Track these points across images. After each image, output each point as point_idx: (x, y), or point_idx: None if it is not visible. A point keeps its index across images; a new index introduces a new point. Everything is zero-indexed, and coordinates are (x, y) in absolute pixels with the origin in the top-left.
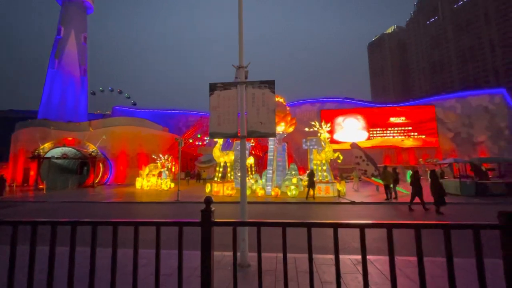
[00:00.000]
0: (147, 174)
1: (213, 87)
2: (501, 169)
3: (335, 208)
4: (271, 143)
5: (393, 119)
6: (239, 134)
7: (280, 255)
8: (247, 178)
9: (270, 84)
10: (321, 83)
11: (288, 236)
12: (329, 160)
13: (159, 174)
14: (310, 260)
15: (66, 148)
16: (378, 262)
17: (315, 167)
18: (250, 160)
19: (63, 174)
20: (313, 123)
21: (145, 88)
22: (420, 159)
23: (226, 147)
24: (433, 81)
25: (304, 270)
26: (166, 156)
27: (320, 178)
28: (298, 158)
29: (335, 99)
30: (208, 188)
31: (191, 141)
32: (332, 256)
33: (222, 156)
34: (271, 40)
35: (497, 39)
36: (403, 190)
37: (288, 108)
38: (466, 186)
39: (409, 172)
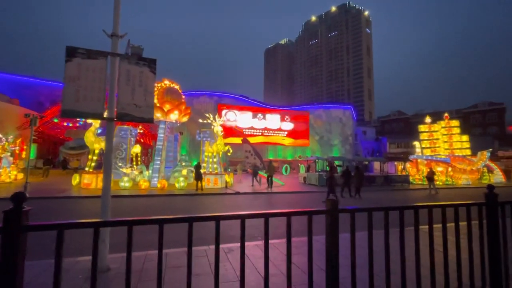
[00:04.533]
0: None
1: (71, 52)
2: (344, 165)
3: (221, 198)
4: (161, 131)
5: (278, 120)
6: (105, 116)
7: (151, 252)
8: (130, 169)
9: (150, 63)
10: (220, 78)
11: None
12: (220, 153)
13: None
14: (159, 254)
15: None
16: (247, 247)
17: (206, 159)
18: (136, 149)
19: None
20: (207, 115)
21: None
22: (296, 156)
23: (104, 132)
24: (310, 92)
25: (174, 265)
26: (11, 137)
27: (210, 170)
28: (192, 149)
29: (232, 95)
30: (75, 179)
31: (56, 120)
32: (206, 247)
33: (98, 142)
34: (177, 34)
35: (352, 68)
36: (279, 181)
37: (183, 97)
38: (322, 178)
39: (285, 166)
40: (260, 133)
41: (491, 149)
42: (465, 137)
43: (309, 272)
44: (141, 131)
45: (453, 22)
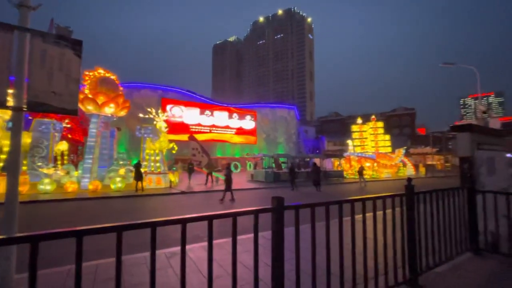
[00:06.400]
0: None
1: None
2: (288, 162)
3: (164, 199)
4: (94, 126)
5: (226, 117)
6: (10, 105)
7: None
8: (53, 169)
9: (74, 44)
10: (165, 73)
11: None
12: (164, 150)
13: None
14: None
15: None
16: (192, 250)
17: (147, 157)
18: (62, 146)
19: None
20: (149, 109)
21: None
22: (244, 154)
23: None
24: (258, 91)
25: (108, 277)
26: None
27: (153, 169)
28: (132, 146)
29: (178, 90)
30: None
31: None
32: (146, 254)
33: (7, 138)
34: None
35: (296, 70)
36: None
37: (121, 88)
38: (268, 174)
39: (234, 163)
40: (208, 130)
41: (405, 147)
42: (387, 137)
43: (255, 271)
44: (69, 126)
45: (382, 39)
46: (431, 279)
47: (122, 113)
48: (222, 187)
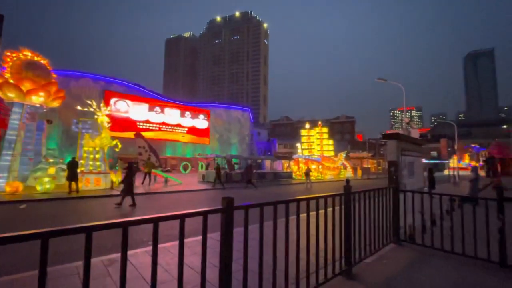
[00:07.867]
0: None
1: None
2: (241, 163)
3: (103, 201)
4: (16, 117)
5: (178, 115)
6: None
7: None
8: None
9: None
10: (109, 65)
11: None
12: (105, 148)
13: None
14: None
15: None
16: (136, 255)
17: (85, 154)
18: None
19: None
20: (89, 101)
21: None
22: (196, 154)
23: None
24: (212, 90)
25: None
26: None
27: (91, 168)
28: (66, 142)
29: (124, 83)
30: None
31: None
32: (78, 263)
33: None
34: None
35: (250, 72)
36: (177, 180)
37: (54, 76)
38: (220, 175)
39: (183, 163)
40: (157, 128)
41: (346, 151)
42: (331, 141)
43: (202, 274)
44: None
45: (327, 51)
46: (362, 269)
47: (55, 104)
48: (174, 187)
